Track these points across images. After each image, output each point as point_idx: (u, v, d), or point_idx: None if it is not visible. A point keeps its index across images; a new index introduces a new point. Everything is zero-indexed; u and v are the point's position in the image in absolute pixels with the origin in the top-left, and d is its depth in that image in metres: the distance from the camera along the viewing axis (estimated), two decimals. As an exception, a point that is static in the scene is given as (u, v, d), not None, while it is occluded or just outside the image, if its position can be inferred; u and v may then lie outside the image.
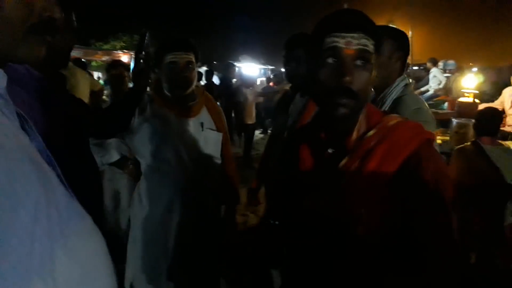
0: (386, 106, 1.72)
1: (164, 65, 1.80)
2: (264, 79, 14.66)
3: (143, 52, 1.61)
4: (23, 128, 0.63)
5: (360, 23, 0.91)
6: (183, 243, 1.87)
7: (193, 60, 1.83)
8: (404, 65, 1.81)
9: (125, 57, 11.46)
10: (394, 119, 0.98)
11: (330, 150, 0.98)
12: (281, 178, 1.09)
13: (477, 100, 4.78)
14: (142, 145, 1.83)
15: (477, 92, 4.82)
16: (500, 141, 3.06)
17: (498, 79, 6.86)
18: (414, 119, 1.63)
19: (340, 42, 0.89)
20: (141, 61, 1.61)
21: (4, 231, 0.45)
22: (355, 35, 0.89)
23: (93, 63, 13.88)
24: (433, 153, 0.92)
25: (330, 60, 0.91)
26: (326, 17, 0.95)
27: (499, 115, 3.05)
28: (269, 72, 18.47)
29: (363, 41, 0.89)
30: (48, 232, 0.51)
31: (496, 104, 4.47)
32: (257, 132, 8.34)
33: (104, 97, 5.44)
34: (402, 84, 1.77)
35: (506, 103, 4.55)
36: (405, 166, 0.88)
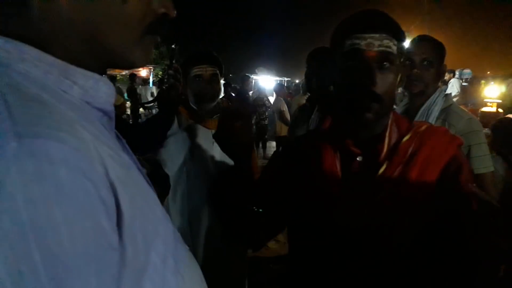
0: (433, 117, 1.67)
1: (189, 78, 1.81)
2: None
3: (173, 67, 1.68)
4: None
5: (382, 23, 0.87)
6: (209, 252, 1.86)
7: (218, 72, 1.85)
8: (440, 74, 1.77)
9: (144, 71, 11.70)
10: (423, 124, 0.95)
11: (359, 159, 0.92)
12: (300, 188, 1.00)
13: (500, 110, 4.68)
14: (171, 158, 1.82)
15: (500, 101, 4.72)
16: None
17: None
18: (468, 129, 1.62)
19: (361, 44, 0.85)
20: (171, 76, 1.67)
21: (138, 277, 0.43)
22: (376, 35, 0.85)
23: (118, 77, 14.06)
24: (465, 158, 0.92)
25: (351, 63, 0.87)
26: (346, 18, 0.91)
27: None
28: (285, 83, 18.55)
29: (386, 42, 0.85)
30: (173, 269, 0.49)
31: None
32: (273, 144, 8.34)
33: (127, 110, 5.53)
34: (443, 94, 1.74)
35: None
36: (446, 171, 0.86)
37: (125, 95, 9.39)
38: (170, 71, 1.65)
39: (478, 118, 4.83)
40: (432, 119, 1.64)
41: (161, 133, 1.73)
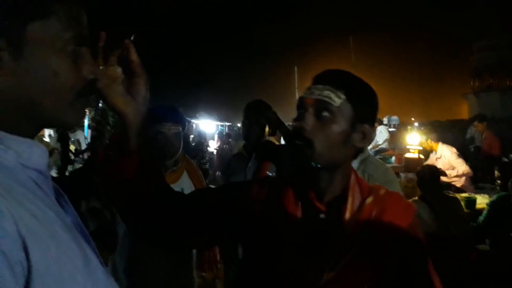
0: (354, 168, 1.74)
1: (150, 133, 1.77)
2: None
3: (95, 120, 1.71)
4: (58, 202, 0.63)
5: (332, 77, 0.92)
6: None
7: (180, 130, 1.87)
8: None
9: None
10: (380, 188, 0.99)
11: (322, 216, 0.93)
12: (257, 224, 0.98)
13: (421, 156, 5.12)
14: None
15: (421, 148, 5.17)
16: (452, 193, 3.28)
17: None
18: (385, 179, 1.74)
19: (306, 93, 0.92)
20: (94, 128, 1.70)
21: None
22: (320, 86, 0.90)
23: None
24: (418, 222, 0.97)
25: (299, 111, 0.93)
26: None
27: (438, 172, 3.28)
28: (226, 128, 18.80)
29: (327, 92, 0.88)
30: None
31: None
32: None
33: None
34: None
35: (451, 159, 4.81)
36: (405, 235, 0.91)
37: (46, 139, 8.87)
38: (92, 124, 1.66)
39: (403, 163, 5.26)
40: None
41: (86, 185, 1.71)
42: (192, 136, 8.93)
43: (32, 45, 0.55)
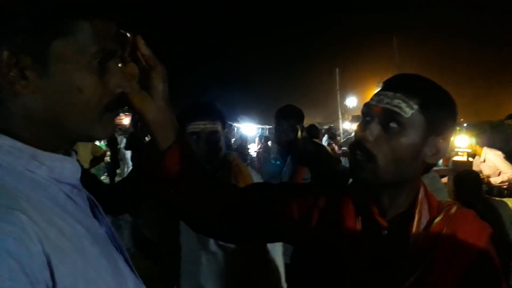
0: None
1: (186, 134, 1.52)
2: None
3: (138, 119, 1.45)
4: (93, 213, 0.66)
5: (401, 83, 0.83)
6: None
7: (219, 129, 1.56)
8: None
9: (126, 119, 11.76)
10: (452, 205, 0.89)
11: (384, 232, 0.86)
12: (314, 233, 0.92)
13: (471, 159, 4.91)
14: (156, 226, 1.60)
15: (470, 151, 4.96)
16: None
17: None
18: (432, 187, 1.60)
19: (374, 100, 0.83)
20: (138, 127, 1.56)
21: None
22: (389, 93, 0.81)
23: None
24: (493, 247, 0.85)
25: (363, 118, 0.85)
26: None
27: (477, 177, 3.14)
28: (266, 131, 18.89)
29: (397, 101, 0.79)
30: None
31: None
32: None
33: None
34: None
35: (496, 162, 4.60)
36: (477, 260, 0.81)
37: (103, 144, 9.34)
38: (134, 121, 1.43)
39: (450, 166, 5.04)
40: None
41: (136, 192, 1.50)
42: (233, 139, 9.07)
43: (56, 62, 0.56)
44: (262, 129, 19.50)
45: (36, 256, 0.46)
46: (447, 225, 0.84)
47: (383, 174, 0.81)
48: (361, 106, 0.89)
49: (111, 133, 0.66)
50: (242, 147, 7.92)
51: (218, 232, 1.01)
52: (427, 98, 0.80)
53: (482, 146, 4.74)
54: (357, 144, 0.82)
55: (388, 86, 0.84)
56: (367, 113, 0.84)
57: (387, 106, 0.80)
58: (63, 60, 0.56)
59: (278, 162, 2.54)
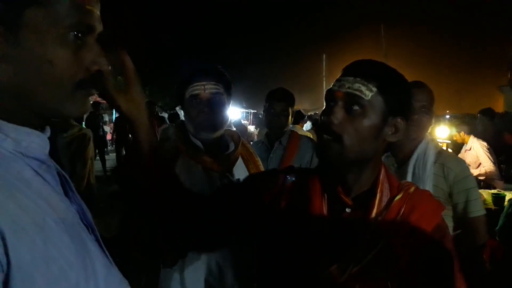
0: (431, 161, 1.69)
1: (185, 101, 1.39)
2: (245, 121, 14.94)
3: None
4: (64, 190, 0.63)
5: (362, 68, 0.88)
6: None
7: (222, 91, 1.40)
8: (432, 120, 1.79)
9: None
10: (410, 185, 0.96)
11: (348, 210, 0.91)
12: (280, 218, 0.96)
13: (450, 150, 4.99)
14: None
15: (449, 141, 5.04)
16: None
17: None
18: (465, 173, 1.69)
19: (336, 85, 0.89)
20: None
21: None
22: (350, 78, 0.87)
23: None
24: (445, 223, 0.94)
25: (328, 103, 0.90)
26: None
27: None
28: (251, 115, 18.86)
29: (357, 85, 0.85)
30: None
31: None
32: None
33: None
34: (430, 138, 1.80)
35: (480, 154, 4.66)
36: (433, 236, 0.87)
37: (83, 123, 9.03)
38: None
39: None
40: (430, 163, 1.69)
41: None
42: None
43: (29, 32, 0.53)
44: (247, 113, 19.45)
45: None
46: (406, 202, 0.90)
47: (348, 153, 0.86)
48: None
49: (83, 111, 0.62)
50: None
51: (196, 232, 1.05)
52: (384, 81, 0.87)
53: (469, 134, 4.78)
54: (323, 127, 0.87)
55: (348, 72, 0.89)
56: (330, 98, 0.89)
57: (349, 90, 0.85)
58: (36, 30, 0.53)
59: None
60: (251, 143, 2.81)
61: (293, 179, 1.01)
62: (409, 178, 1.68)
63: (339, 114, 0.86)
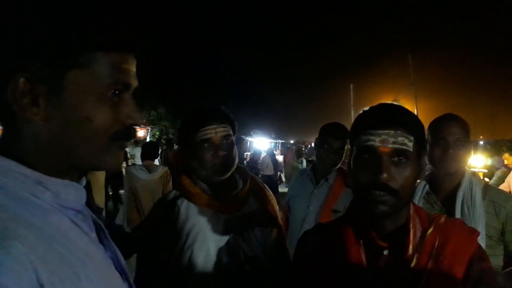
0: (479, 198, 1.62)
1: (195, 146, 1.34)
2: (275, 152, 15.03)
3: None
4: (99, 238, 0.66)
5: (397, 119, 0.89)
6: None
7: (231, 132, 1.40)
8: (470, 153, 1.71)
9: (141, 132, 11.92)
10: (440, 215, 0.96)
11: (386, 252, 0.92)
12: (318, 274, 0.98)
13: (487, 179, 4.81)
14: (170, 257, 1.32)
15: (486, 171, 4.85)
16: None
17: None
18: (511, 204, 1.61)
19: (376, 141, 0.88)
20: None
21: None
22: (391, 132, 0.87)
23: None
24: (482, 248, 0.93)
25: (366, 157, 0.89)
26: (363, 112, 0.96)
27: None
28: (279, 145, 18.95)
29: (400, 139, 0.87)
30: None
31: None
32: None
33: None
34: (470, 172, 1.73)
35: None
36: (471, 265, 0.87)
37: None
38: None
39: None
40: (478, 200, 1.62)
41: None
42: (247, 153, 9.08)
43: (70, 92, 0.56)
44: (275, 143, 19.55)
45: (29, 286, 0.46)
46: (439, 234, 0.90)
47: (401, 203, 0.89)
48: None
49: (120, 163, 0.65)
50: (253, 161, 7.89)
51: None
52: (415, 128, 0.90)
53: None
54: (375, 184, 0.87)
55: (382, 122, 0.89)
56: (370, 153, 0.89)
57: (395, 146, 0.87)
58: (77, 91, 0.56)
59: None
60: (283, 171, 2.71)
61: (324, 236, 1.04)
62: (458, 217, 1.59)
63: (390, 170, 0.86)
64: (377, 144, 0.88)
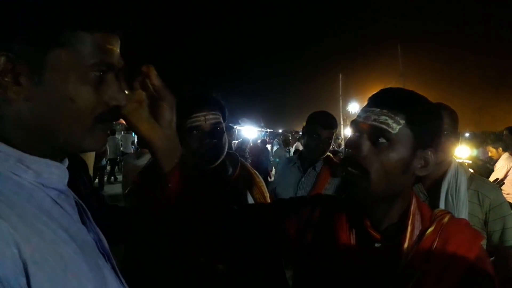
0: (464, 188, 1.62)
1: (184, 133, 1.31)
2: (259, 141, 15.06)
3: None
4: (82, 219, 0.65)
5: (391, 100, 0.84)
6: None
7: (221, 120, 1.37)
8: (457, 143, 1.71)
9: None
10: (444, 214, 0.89)
11: (377, 245, 0.87)
12: (309, 258, 0.94)
13: (471, 170, 4.87)
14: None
15: (470, 162, 4.93)
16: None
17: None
18: (501, 199, 1.62)
19: (361, 117, 0.85)
20: None
21: None
22: (376, 109, 0.83)
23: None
24: (486, 253, 0.87)
25: (352, 132, 0.87)
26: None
27: None
28: (267, 134, 18.96)
29: (383, 118, 0.81)
30: None
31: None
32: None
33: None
34: (457, 163, 1.72)
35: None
36: (471, 269, 0.81)
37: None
38: None
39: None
40: (463, 190, 1.62)
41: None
42: (235, 142, 9.06)
43: (52, 71, 0.55)
44: (263, 132, 19.56)
45: (11, 261, 0.46)
46: (439, 235, 0.84)
47: (375, 189, 0.82)
48: None
49: (102, 145, 0.64)
50: (241, 149, 7.88)
51: (219, 253, 1.03)
52: (413, 113, 0.82)
53: (505, 150, 4.70)
54: (349, 160, 0.84)
55: (373, 102, 0.85)
56: (356, 129, 0.86)
57: (374, 123, 0.82)
58: (59, 70, 0.56)
59: (277, 160, 2.42)
60: (275, 160, 2.73)
61: (319, 210, 0.98)
62: (441, 206, 1.59)
63: (364, 147, 0.82)
64: (360, 120, 0.85)
